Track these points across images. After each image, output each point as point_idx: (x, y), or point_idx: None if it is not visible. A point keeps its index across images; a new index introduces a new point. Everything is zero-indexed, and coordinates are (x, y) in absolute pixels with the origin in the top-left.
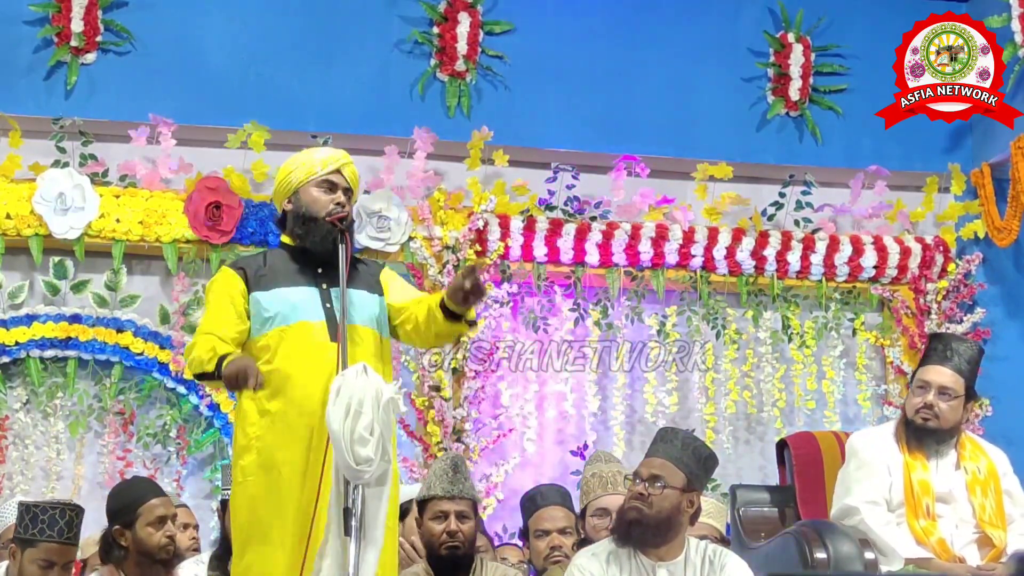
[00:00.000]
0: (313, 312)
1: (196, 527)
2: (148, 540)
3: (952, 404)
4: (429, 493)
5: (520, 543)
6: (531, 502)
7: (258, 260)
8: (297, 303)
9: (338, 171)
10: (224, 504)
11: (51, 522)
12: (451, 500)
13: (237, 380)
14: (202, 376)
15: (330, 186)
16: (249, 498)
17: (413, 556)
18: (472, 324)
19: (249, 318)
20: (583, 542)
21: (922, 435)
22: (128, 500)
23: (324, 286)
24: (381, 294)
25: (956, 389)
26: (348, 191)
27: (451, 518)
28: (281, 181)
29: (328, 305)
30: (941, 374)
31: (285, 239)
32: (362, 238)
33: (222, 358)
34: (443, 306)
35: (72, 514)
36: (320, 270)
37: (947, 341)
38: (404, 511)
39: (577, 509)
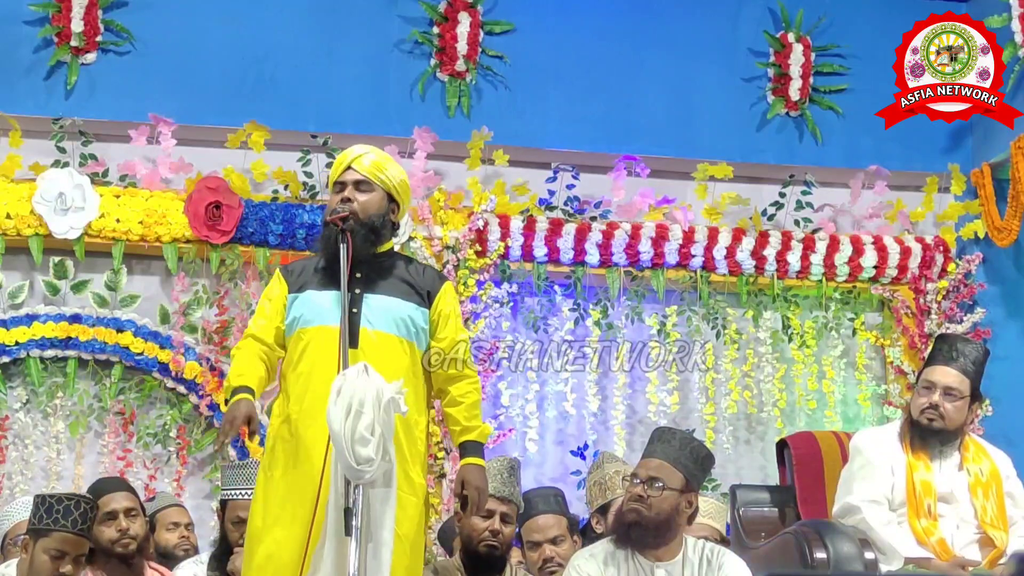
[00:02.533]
0: (335, 316)
1: (189, 526)
2: (100, 537)
3: (957, 405)
4: None
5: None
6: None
7: (307, 263)
8: (321, 307)
9: (349, 168)
10: (224, 504)
11: (66, 512)
12: (500, 501)
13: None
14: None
15: (339, 187)
16: (262, 495)
17: None
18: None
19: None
20: (597, 538)
21: (926, 435)
22: None
23: (358, 291)
24: (426, 305)
25: (961, 390)
26: (362, 183)
27: (496, 518)
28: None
29: (355, 310)
30: (947, 375)
31: None
32: None
33: (236, 389)
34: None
35: (87, 507)
36: (359, 275)
37: (953, 342)
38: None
39: (587, 514)
